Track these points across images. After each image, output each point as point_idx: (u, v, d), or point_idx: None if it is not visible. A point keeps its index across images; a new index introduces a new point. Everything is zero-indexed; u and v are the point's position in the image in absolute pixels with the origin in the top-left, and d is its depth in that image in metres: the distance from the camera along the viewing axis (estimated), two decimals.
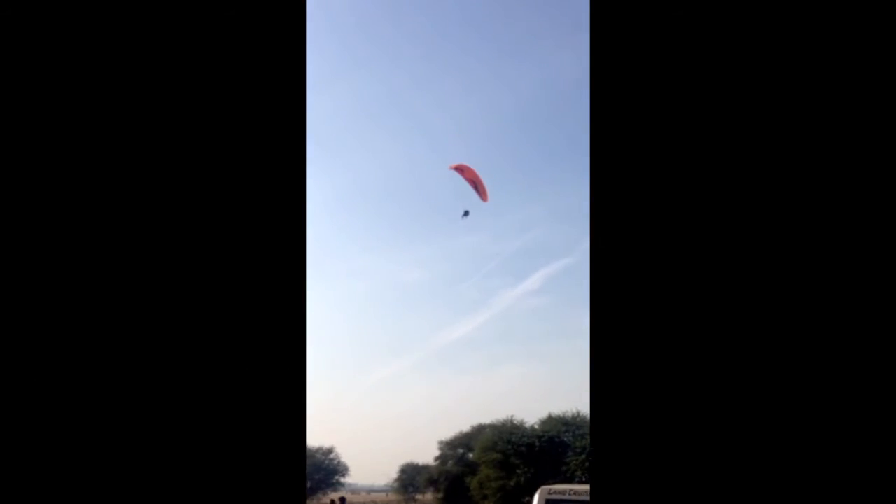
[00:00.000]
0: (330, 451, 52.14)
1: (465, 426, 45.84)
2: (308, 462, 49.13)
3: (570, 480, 23.78)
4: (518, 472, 28.41)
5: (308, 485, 48.74)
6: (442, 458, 42.13)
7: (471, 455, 36.43)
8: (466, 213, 16.38)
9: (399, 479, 63.67)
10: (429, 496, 62.55)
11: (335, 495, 14.54)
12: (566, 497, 8.13)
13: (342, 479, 52.77)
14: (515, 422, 32.12)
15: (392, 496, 73.09)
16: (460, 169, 16.27)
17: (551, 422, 31.25)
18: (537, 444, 29.34)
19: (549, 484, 9.69)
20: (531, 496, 9.53)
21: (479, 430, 36.96)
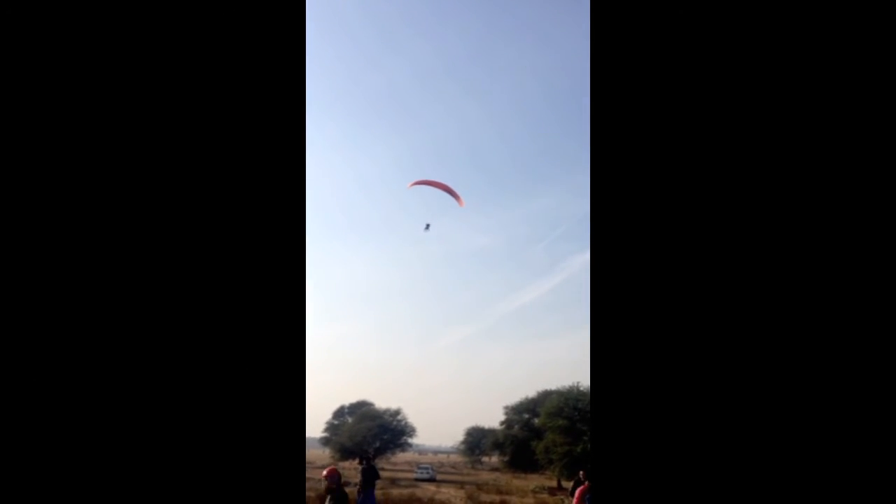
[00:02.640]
0: (397, 412, 53.63)
1: (531, 391, 45.90)
2: (376, 423, 51.04)
3: None
4: (584, 438, 27.95)
5: (377, 444, 50.57)
6: (507, 423, 42.43)
7: (536, 420, 36.36)
8: (427, 227, 18.28)
9: (465, 442, 65.28)
10: (494, 459, 63.89)
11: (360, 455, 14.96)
12: None
13: (409, 440, 54.02)
14: (582, 388, 31.55)
15: (456, 458, 75.14)
16: (427, 183, 16.77)
17: None
18: None
19: None
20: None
21: (545, 395, 36.77)
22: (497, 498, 20.81)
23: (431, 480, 35.97)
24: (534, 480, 34.08)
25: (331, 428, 61.03)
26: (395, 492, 23.88)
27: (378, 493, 22.08)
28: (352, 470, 46.12)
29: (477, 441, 63.89)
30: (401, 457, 68.54)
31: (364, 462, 13.35)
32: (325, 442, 61.19)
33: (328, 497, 8.49)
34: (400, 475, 41.58)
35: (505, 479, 37.56)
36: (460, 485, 31.11)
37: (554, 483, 31.55)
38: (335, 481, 7.99)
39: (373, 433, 50.41)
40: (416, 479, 36.41)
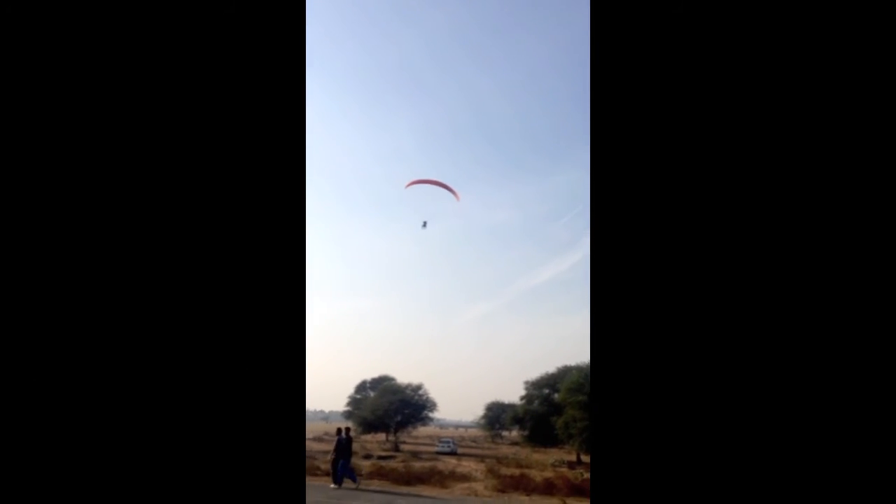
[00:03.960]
0: (419, 387, 54.37)
1: (550, 367, 46.05)
2: (397, 397, 51.83)
3: None
4: None
5: (398, 418, 51.40)
6: (528, 398, 42.67)
7: (556, 396, 36.52)
8: (425, 225, 19.59)
9: (485, 417, 66.01)
10: (514, 434, 64.57)
11: (342, 425, 16.08)
12: None
13: (430, 415, 54.80)
14: None
15: (476, 432, 76.11)
16: (422, 182, 17.51)
17: None
18: None
19: None
20: None
21: (565, 371, 36.88)
22: (517, 471, 21.04)
23: (452, 454, 36.53)
24: (553, 454, 34.41)
25: (353, 402, 62.12)
26: (418, 465, 24.29)
27: (400, 465, 22.61)
28: (373, 443, 47.06)
29: (497, 416, 64.54)
30: (422, 431, 69.70)
31: (341, 434, 14.55)
32: (347, 416, 62.37)
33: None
34: (421, 448, 42.28)
35: (525, 453, 37.94)
36: (481, 458, 31.55)
37: (573, 457, 31.81)
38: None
39: (394, 407, 51.22)
40: (438, 453, 36.99)
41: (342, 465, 13.88)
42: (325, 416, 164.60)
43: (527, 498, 14.49)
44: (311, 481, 16.75)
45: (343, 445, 14.18)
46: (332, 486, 13.55)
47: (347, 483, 14.04)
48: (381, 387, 57.54)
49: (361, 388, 63.74)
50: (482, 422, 67.07)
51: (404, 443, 47.63)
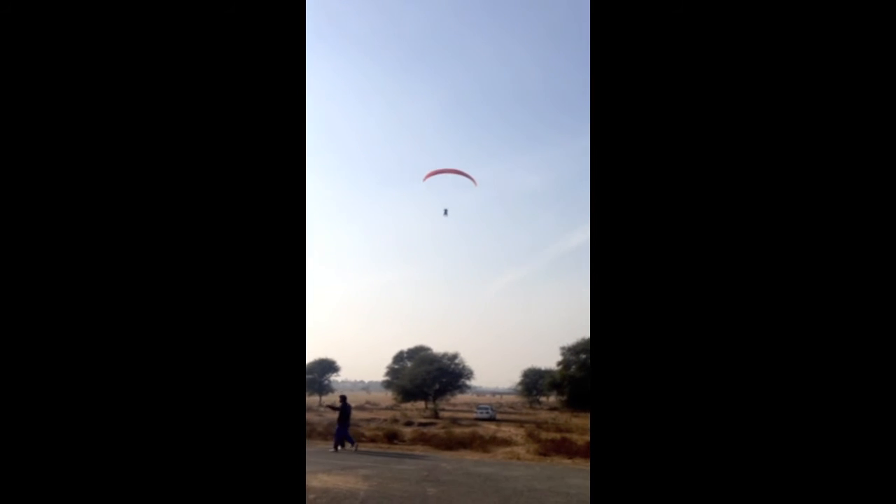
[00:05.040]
0: (455, 356, 54.98)
1: (587, 332, 45.81)
2: (434, 367, 52.61)
3: None
4: None
5: (436, 387, 52.25)
6: (565, 363, 42.77)
7: None
8: (446, 212, 21.38)
9: (522, 383, 66.60)
10: (552, 399, 65.08)
11: (338, 394, 16.71)
12: None
13: (467, 382, 55.52)
14: None
15: (513, 398, 76.99)
16: (441, 172, 18.39)
17: None
18: None
19: None
20: None
21: None
22: (558, 435, 21.18)
23: (491, 420, 37.01)
24: None
25: (391, 372, 63.41)
26: (458, 430, 24.68)
27: (441, 431, 23.04)
28: (413, 411, 48.07)
29: (534, 382, 65.03)
30: (459, 398, 70.74)
31: (342, 401, 15.23)
32: (386, 385, 63.77)
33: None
34: (460, 415, 42.98)
35: (564, 417, 38.20)
36: (520, 423, 31.89)
37: None
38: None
39: (431, 376, 52.02)
40: (477, 419, 37.53)
41: (339, 430, 14.52)
42: (366, 387, 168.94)
43: (570, 461, 14.55)
44: (334, 447, 17.21)
45: (345, 412, 14.76)
46: (331, 450, 13.91)
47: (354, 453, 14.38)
48: (418, 357, 58.47)
49: (399, 358, 64.94)
50: (519, 388, 67.72)
51: (443, 410, 48.46)
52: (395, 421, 33.24)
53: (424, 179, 19.01)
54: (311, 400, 64.03)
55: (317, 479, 9.46)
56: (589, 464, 13.99)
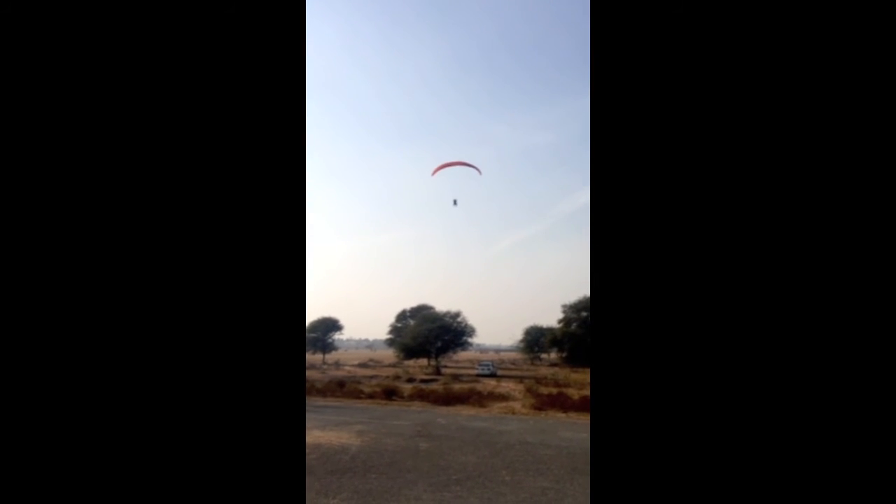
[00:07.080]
0: (457, 314, 55.53)
1: (588, 290, 46.03)
2: (437, 325, 53.19)
3: None
4: None
5: (439, 344, 52.97)
6: (565, 321, 43.17)
7: None
8: (455, 203, 23.74)
9: (524, 340, 67.51)
10: (553, 355, 66.07)
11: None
12: None
13: (469, 340, 56.27)
14: None
15: (515, 355, 78.17)
16: (447, 165, 19.82)
17: None
18: None
19: None
20: None
21: None
22: (555, 390, 21.51)
23: (493, 376, 37.63)
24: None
25: (394, 330, 64.25)
26: (457, 386, 25.09)
27: (440, 387, 23.43)
28: (416, 368, 48.87)
29: (536, 339, 65.88)
30: (462, 355, 71.88)
31: None
32: (389, 343, 64.69)
33: None
34: (462, 372, 43.67)
35: (563, 373, 38.80)
36: (519, 379, 32.41)
37: None
38: None
39: (434, 334, 52.67)
40: (478, 375, 38.15)
41: None
42: (370, 345, 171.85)
43: (563, 414, 14.78)
44: (355, 403, 17.51)
45: None
46: None
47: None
48: (420, 315, 59.09)
49: (402, 317, 65.68)
50: (521, 345, 68.69)
51: (445, 367, 49.29)
52: (397, 378, 33.81)
53: (433, 174, 20.61)
54: (315, 358, 65.17)
55: (310, 436, 9.62)
56: (582, 417, 14.22)
